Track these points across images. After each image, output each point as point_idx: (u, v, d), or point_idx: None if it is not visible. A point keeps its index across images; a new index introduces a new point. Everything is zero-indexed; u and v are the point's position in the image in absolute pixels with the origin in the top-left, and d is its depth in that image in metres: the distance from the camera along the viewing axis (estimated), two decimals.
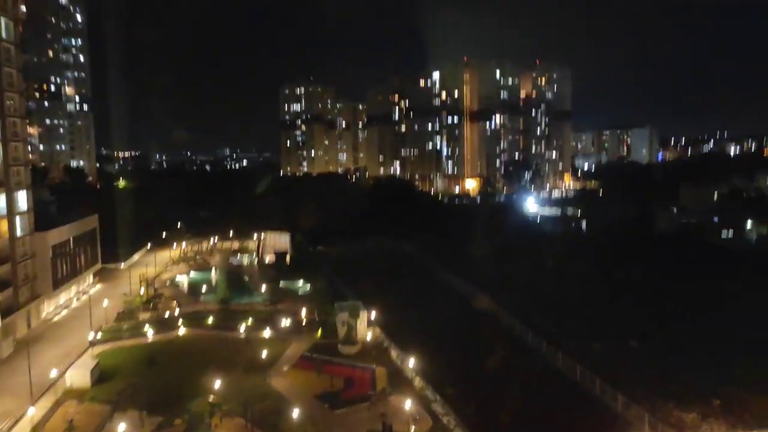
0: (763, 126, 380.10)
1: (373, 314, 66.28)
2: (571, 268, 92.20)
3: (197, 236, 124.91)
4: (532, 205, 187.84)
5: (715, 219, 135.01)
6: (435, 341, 59.85)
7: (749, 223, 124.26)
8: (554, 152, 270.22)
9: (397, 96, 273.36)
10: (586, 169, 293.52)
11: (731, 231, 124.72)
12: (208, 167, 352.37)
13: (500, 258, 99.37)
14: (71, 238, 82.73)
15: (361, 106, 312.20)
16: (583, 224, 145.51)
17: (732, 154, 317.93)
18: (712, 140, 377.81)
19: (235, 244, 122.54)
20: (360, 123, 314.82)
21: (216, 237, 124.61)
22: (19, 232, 70.50)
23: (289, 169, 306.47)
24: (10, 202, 68.57)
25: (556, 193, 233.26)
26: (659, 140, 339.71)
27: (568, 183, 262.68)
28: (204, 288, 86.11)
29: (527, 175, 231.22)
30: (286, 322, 67.50)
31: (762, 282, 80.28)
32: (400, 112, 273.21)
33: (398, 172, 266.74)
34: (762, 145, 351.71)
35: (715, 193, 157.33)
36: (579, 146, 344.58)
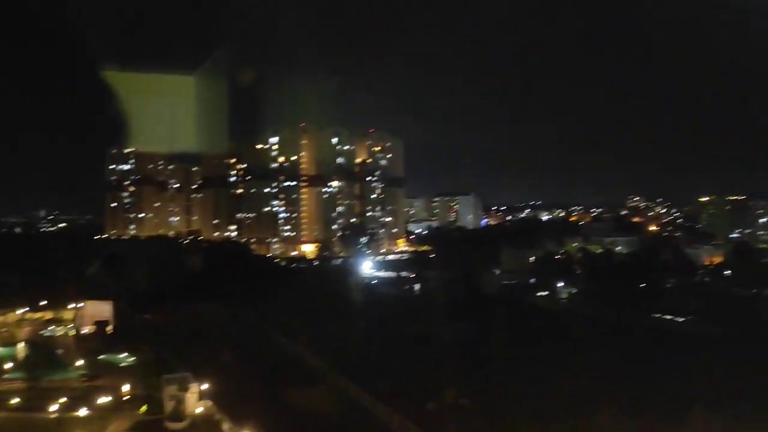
0: (569, 197, 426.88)
1: (205, 386, 62.73)
2: (406, 328, 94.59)
3: (1, 306, 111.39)
4: (368, 268, 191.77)
5: (532, 280, 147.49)
6: (269, 411, 57.85)
7: (559, 283, 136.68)
8: (389, 217, 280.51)
9: (233, 159, 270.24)
10: (418, 233, 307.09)
11: (545, 291, 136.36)
12: (18, 230, 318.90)
13: (338, 321, 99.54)
14: None
15: (195, 168, 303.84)
16: (417, 286, 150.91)
17: (544, 220, 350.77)
18: (527, 208, 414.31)
19: (48, 315, 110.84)
20: (194, 185, 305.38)
21: (25, 306, 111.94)
22: None
23: (114, 232, 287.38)
24: None
25: (391, 257, 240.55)
26: (483, 207, 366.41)
27: (402, 247, 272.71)
28: (8, 364, 76.39)
29: (363, 239, 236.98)
30: (105, 399, 61.61)
31: (572, 338, 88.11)
32: (237, 175, 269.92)
33: (234, 236, 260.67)
34: (569, 213, 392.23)
35: (532, 256, 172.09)
36: (412, 212, 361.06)
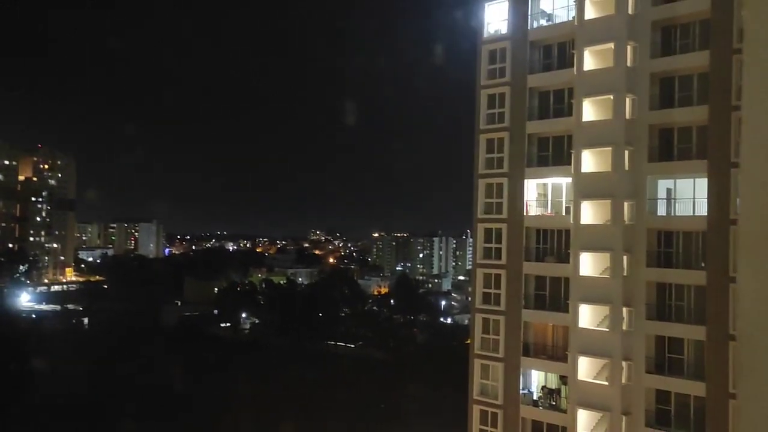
0: (256, 229, 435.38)
1: None
2: (70, 367, 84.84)
3: None
4: (26, 300, 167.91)
5: (216, 311, 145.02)
6: None
7: (243, 314, 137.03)
8: (56, 243, 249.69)
9: None
10: (91, 261, 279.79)
11: (228, 322, 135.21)
12: None
13: None
14: None
15: None
16: (86, 320, 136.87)
17: (230, 250, 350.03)
18: (213, 238, 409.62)
19: None
20: None
21: None
22: None
23: None
24: None
25: (56, 288, 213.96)
26: (166, 236, 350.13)
27: (71, 276, 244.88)
28: None
29: (22, 268, 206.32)
30: None
31: (247, 368, 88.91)
32: None
33: None
34: (256, 244, 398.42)
35: (216, 286, 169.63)
36: (85, 238, 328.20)
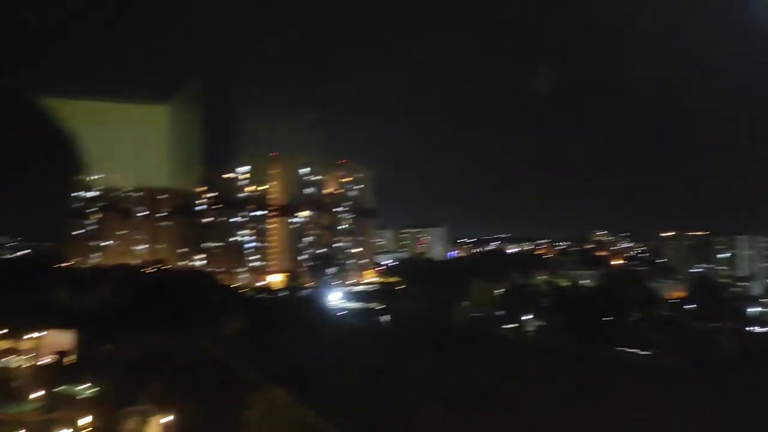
0: (536, 230, 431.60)
1: (168, 419, 61.30)
2: (377, 361, 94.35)
3: None
4: (336, 299, 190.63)
5: (499, 312, 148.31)
6: None
7: (527, 316, 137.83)
8: (358, 248, 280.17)
9: (203, 187, 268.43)
10: (387, 264, 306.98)
11: (513, 324, 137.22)
12: None
13: (303, 353, 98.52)
14: None
15: (163, 196, 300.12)
16: (386, 318, 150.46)
17: (511, 253, 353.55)
18: (495, 241, 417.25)
19: (6, 344, 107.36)
20: (162, 213, 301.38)
21: None
22: None
23: (78, 259, 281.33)
24: None
25: (359, 288, 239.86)
26: (452, 239, 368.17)
27: (372, 278, 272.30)
28: None
29: (331, 270, 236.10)
30: None
31: (530, 370, 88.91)
32: (206, 203, 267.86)
33: (201, 265, 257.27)
34: (536, 246, 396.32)
35: (499, 288, 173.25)
36: (381, 243, 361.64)
